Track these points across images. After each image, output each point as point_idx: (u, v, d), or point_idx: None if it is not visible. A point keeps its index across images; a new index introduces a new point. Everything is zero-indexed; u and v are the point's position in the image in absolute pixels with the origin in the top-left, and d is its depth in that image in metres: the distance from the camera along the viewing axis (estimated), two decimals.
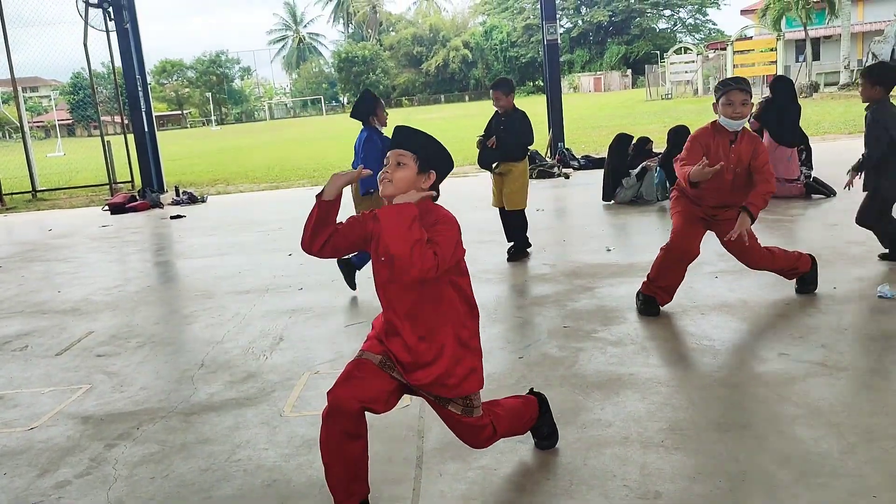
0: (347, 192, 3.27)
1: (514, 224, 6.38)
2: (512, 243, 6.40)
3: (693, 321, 4.33)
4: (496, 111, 6.22)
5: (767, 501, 2.47)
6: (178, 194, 12.64)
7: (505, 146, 6.09)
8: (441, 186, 2.53)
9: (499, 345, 4.19)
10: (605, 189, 8.84)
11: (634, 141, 9.15)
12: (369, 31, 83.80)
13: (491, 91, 6.34)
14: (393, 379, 2.49)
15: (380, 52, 77.91)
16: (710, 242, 6.49)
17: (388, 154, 2.47)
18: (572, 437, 3.03)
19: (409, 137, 2.49)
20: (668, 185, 8.31)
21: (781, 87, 8.42)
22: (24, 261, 8.11)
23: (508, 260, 6.24)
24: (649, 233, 7.09)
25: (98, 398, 3.89)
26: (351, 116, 5.74)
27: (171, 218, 10.58)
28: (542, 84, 68.06)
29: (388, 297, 2.49)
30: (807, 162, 8.55)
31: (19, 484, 3.01)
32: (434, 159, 2.49)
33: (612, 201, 8.71)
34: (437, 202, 2.51)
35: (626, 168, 8.70)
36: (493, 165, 6.20)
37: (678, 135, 8.44)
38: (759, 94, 31.70)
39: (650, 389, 3.43)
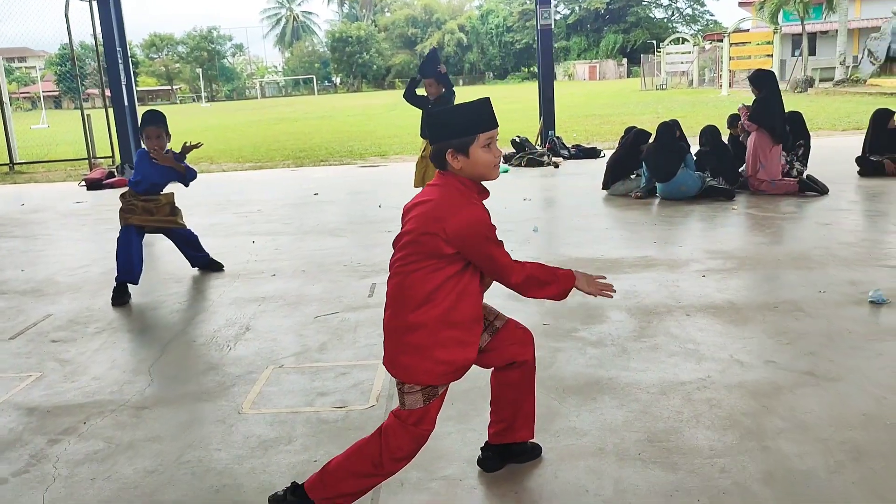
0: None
1: None
2: None
3: (678, 322, 4.15)
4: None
5: None
6: None
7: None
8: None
9: None
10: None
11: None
12: (364, 10, 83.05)
13: (423, 79, 7.10)
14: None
15: (374, 32, 77.22)
16: (698, 239, 6.33)
17: (492, 133, 2.26)
18: (545, 445, 2.84)
19: (493, 111, 2.30)
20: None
21: (769, 82, 8.14)
22: None
23: None
24: (642, 226, 6.92)
25: (47, 388, 3.67)
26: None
27: None
28: (537, 70, 68.41)
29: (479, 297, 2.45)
30: (802, 158, 8.38)
31: None
32: None
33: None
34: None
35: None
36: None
37: (712, 135, 8.28)
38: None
39: (629, 396, 3.25)
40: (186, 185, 5.42)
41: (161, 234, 5.65)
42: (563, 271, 2.42)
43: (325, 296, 5.01)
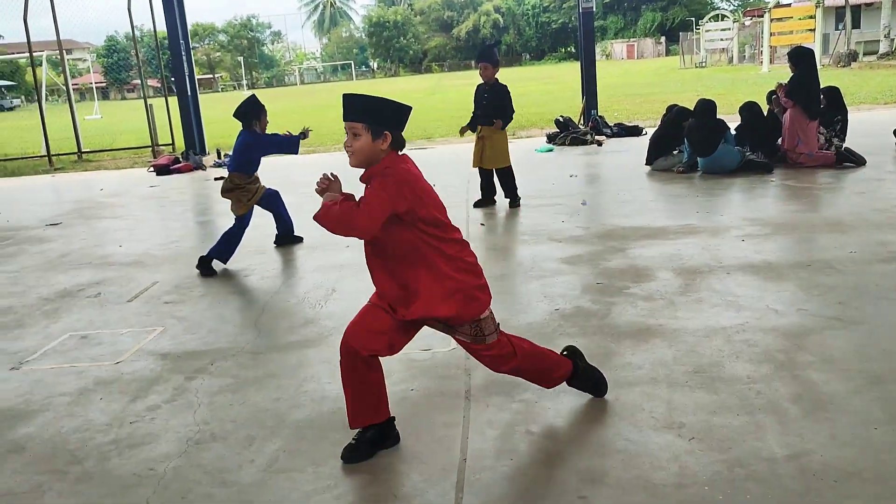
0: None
1: (505, 180, 7.30)
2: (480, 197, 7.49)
3: (719, 279, 4.62)
4: (481, 83, 7.14)
5: (779, 429, 2.79)
6: (219, 157, 13.06)
7: (489, 116, 7.07)
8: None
9: (536, 298, 4.52)
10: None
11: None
12: None
13: (478, 62, 7.17)
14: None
15: (410, 16, 77.53)
16: (737, 208, 6.74)
17: (345, 126, 2.64)
18: (605, 377, 3.35)
19: (352, 107, 2.63)
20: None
21: (806, 59, 8.47)
22: (82, 218, 8.58)
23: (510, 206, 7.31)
24: (685, 198, 7.34)
25: (172, 339, 4.30)
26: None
27: (215, 179, 10.99)
28: (573, 50, 67.04)
29: (372, 267, 2.81)
30: (840, 133, 8.68)
31: (116, 407, 3.43)
32: (384, 120, 2.62)
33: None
34: (402, 153, 2.75)
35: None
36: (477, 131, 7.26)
37: (751, 111, 8.65)
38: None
39: (677, 339, 3.74)
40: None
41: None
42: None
43: None
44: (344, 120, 2.64)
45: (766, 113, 9.16)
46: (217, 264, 5.75)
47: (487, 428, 3.00)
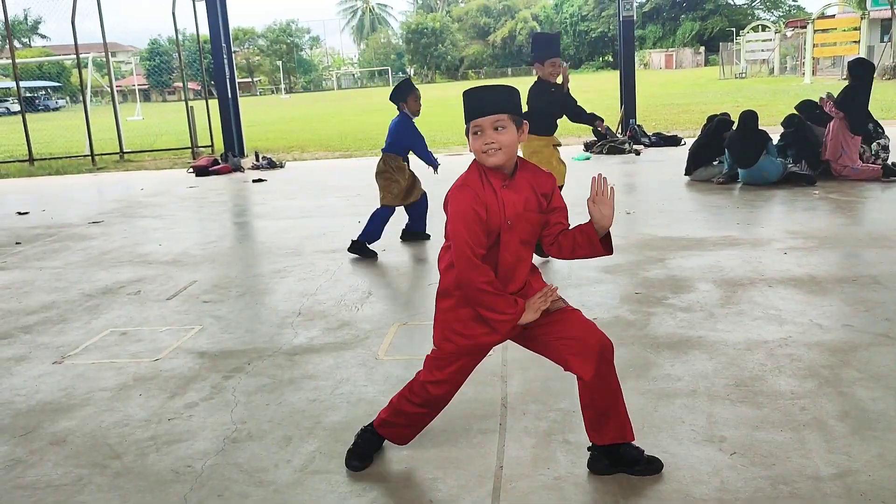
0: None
1: None
2: None
3: (761, 292, 4.53)
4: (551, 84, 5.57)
5: (824, 447, 2.72)
6: (257, 159, 13.21)
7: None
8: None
9: (574, 307, 4.47)
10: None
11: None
12: (438, 1, 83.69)
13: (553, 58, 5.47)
14: (485, 351, 2.67)
15: (448, 23, 77.79)
16: (779, 220, 6.64)
17: (477, 122, 2.40)
18: (644, 388, 3.31)
19: (493, 99, 2.41)
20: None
21: (865, 73, 8.31)
22: (123, 216, 8.73)
23: None
24: (725, 210, 7.23)
25: (210, 337, 4.34)
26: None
27: (254, 181, 11.13)
28: (611, 59, 66.49)
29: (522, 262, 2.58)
30: (884, 147, 8.50)
31: (154, 404, 3.47)
32: (520, 107, 2.47)
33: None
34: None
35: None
36: None
37: (794, 122, 8.51)
38: (840, 75, 30.72)
39: (717, 351, 3.68)
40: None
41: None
42: (508, 302, 2.43)
43: (433, 267, 5.57)
44: (482, 115, 2.39)
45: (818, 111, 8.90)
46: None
47: (524, 436, 2.97)
